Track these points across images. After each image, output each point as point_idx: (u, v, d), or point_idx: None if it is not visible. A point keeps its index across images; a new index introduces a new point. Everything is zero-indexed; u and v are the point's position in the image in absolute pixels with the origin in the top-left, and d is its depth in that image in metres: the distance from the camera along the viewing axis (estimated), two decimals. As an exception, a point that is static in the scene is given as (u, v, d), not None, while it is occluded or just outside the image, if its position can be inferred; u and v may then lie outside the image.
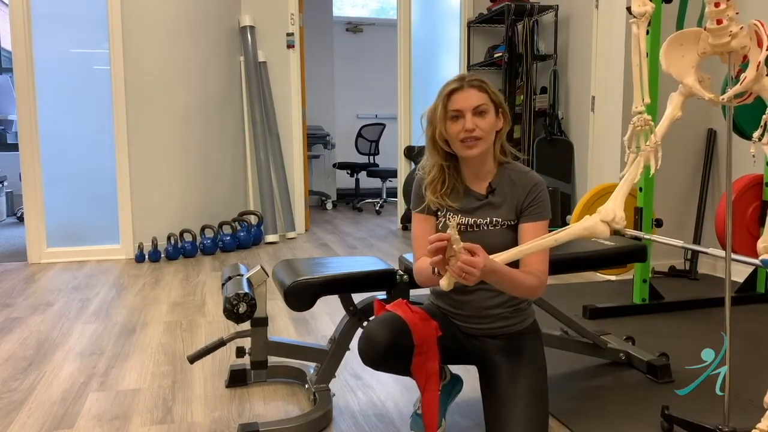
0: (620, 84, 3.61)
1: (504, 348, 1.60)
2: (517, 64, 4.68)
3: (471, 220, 1.60)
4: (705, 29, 1.42)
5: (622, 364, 2.19)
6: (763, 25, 1.36)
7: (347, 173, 7.78)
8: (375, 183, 7.62)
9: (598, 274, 3.60)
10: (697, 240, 3.71)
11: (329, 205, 7.51)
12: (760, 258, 1.39)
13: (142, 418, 1.84)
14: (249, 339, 1.90)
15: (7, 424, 1.80)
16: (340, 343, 1.89)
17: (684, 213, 3.76)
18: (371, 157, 7.75)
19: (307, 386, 1.96)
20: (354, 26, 8.67)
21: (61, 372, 2.21)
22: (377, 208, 6.99)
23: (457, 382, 1.79)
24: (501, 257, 1.39)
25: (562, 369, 2.18)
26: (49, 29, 4.13)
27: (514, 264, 1.63)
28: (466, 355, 1.67)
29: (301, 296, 1.77)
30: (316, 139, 7.43)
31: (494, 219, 1.59)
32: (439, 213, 1.64)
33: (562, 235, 1.39)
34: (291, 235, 5.13)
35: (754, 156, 1.46)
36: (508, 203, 1.59)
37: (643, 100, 1.47)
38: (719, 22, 1.37)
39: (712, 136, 3.71)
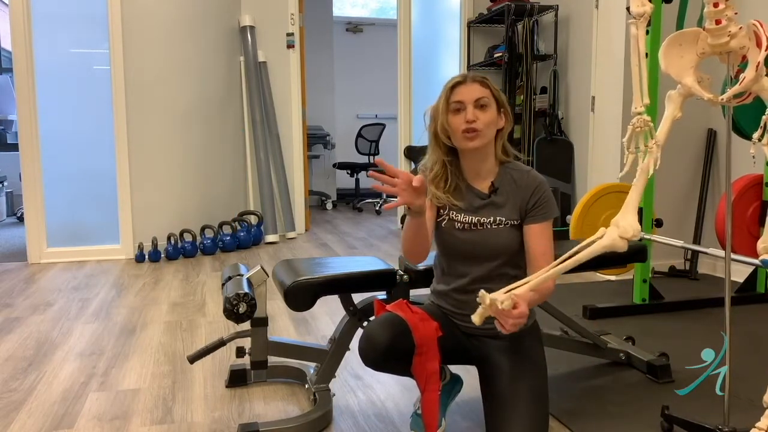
0: (620, 84, 3.61)
1: (504, 348, 1.60)
2: (517, 64, 4.68)
3: (475, 219, 1.61)
4: (704, 29, 1.42)
5: (622, 364, 2.19)
6: (761, 26, 1.36)
7: (347, 173, 7.78)
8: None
9: (598, 274, 3.60)
10: (697, 240, 3.71)
11: (329, 205, 7.51)
12: (760, 258, 1.39)
13: (142, 418, 1.84)
14: (249, 339, 1.90)
15: (7, 424, 1.80)
16: (340, 343, 1.89)
17: (684, 213, 3.76)
18: (371, 157, 7.75)
19: (307, 386, 1.96)
20: (354, 26, 8.67)
21: (61, 372, 2.21)
22: (377, 208, 6.99)
23: (457, 382, 1.79)
24: (529, 285, 1.38)
25: (562, 369, 2.18)
26: (49, 29, 4.13)
27: (516, 261, 1.63)
28: (466, 355, 1.67)
29: (301, 296, 1.77)
30: (316, 139, 7.43)
31: (498, 218, 1.59)
32: (441, 210, 1.65)
33: (582, 255, 1.38)
34: (291, 235, 5.13)
35: (754, 156, 1.46)
36: (511, 203, 1.60)
37: (642, 100, 1.47)
38: (718, 22, 1.37)
39: (712, 136, 3.71)
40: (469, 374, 1.84)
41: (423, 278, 1.85)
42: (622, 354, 2.18)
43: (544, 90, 4.80)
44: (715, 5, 1.35)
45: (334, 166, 7.78)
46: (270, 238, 4.86)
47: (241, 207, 4.97)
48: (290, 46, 5.18)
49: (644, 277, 2.94)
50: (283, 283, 1.81)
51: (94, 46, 4.22)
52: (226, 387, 2.07)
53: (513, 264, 1.62)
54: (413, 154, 5.43)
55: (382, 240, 5.07)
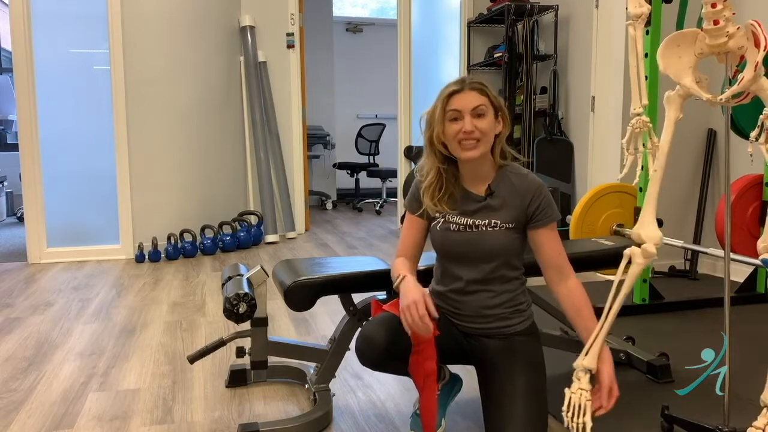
0: (620, 84, 3.61)
1: (503, 348, 1.60)
2: (517, 64, 4.68)
3: (470, 221, 1.60)
4: (702, 30, 1.42)
5: (622, 364, 2.18)
6: (760, 26, 1.36)
7: (347, 173, 7.78)
8: (375, 183, 7.62)
9: (598, 274, 3.60)
10: (697, 240, 3.71)
11: (329, 205, 7.51)
12: (760, 258, 1.39)
13: (142, 418, 1.84)
14: (249, 339, 1.90)
15: (7, 424, 1.80)
16: (340, 343, 1.89)
17: (684, 213, 3.76)
18: (371, 157, 7.75)
19: (307, 386, 1.96)
20: (354, 26, 8.67)
21: (61, 372, 2.21)
22: (377, 208, 6.99)
23: (456, 382, 1.79)
24: (595, 349, 1.46)
25: (562, 369, 2.17)
26: (49, 29, 4.13)
27: (513, 263, 1.63)
28: (465, 355, 1.67)
29: (301, 296, 1.77)
30: (316, 139, 7.43)
31: (493, 221, 1.58)
32: (438, 215, 1.64)
33: (626, 286, 1.48)
34: (291, 235, 5.13)
35: (752, 156, 1.46)
36: (508, 206, 1.59)
37: (641, 101, 1.47)
38: (716, 22, 1.37)
39: (712, 136, 3.71)
40: (468, 374, 1.84)
41: (422, 278, 1.85)
42: (622, 354, 2.18)
43: (544, 90, 4.80)
44: (713, 6, 1.35)
45: (334, 166, 7.78)
46: (270, 238, 4.87)
47: (241, 207, 4.97)
48: (290, 46, 5.18)
49: (644, 277, 2.94)
50: (283, 283, 1.81)
51: (94, 46, 4.22)
52: (226, 387, 2.07)
53: (510, 266, 1.61)
54: (413, 154, 5.43)
55: (382, 240, 5.07)
